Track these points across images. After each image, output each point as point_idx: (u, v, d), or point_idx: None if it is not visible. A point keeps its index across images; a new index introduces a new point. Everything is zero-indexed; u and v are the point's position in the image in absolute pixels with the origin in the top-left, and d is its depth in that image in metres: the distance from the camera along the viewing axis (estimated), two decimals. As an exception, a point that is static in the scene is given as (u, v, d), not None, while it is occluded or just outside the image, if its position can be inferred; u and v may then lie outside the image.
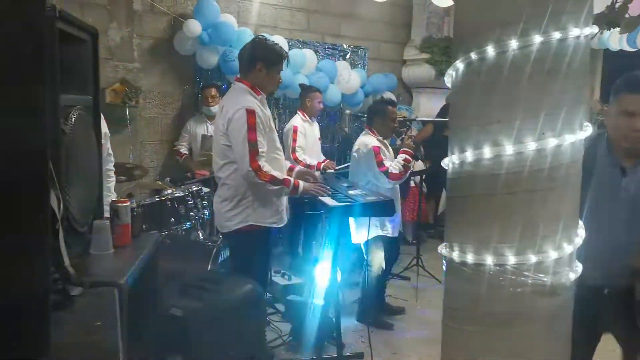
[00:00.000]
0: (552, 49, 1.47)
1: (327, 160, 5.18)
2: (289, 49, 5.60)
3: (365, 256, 4.08)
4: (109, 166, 3.23)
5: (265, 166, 2.90)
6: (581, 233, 1.66)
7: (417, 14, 6.95)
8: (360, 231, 3.93)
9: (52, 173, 1.22)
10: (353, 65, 6.52)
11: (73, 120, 1.68)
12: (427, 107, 6.92)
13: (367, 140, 4.07)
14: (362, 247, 4.04)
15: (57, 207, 1.39)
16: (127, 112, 4.99)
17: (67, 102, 1.67)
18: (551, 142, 1.49)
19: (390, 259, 4.28)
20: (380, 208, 3.16)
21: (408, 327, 4.14)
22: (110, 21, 5.01)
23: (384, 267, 4.16)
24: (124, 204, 2.00)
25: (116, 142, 5.02)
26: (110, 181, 3.25)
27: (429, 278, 5.11)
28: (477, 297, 1.59)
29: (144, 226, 3.46)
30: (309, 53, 5.77)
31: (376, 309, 4.18)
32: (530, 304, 1.54)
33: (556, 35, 1.46)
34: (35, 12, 1.08)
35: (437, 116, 6.27)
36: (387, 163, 3.95)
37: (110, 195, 3.07)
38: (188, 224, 3.95)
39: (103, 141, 3.08)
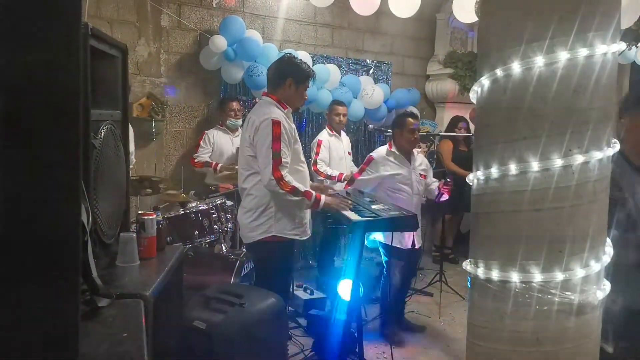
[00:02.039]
0: (578, 66, 1.46)
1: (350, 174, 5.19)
2: (313, 64, 5.65)
3: (384, 265, 4.10)
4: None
5: (287, 176, 2.94)
6: (609, 251, 1.63)
7: (440, 29, 6.94)
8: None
9: (82, 187, 1.24)
10: (376, 80, 6.53)
11: (103, 134, 1.72)
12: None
13: (377, 149, 4.25)
14: (381, 250, 4.08)
15: (86, 219, 1.42)
16: (153, 126, 5.07)
17: (97, 116, 1.71)
18: (578, 159, 1.48)
19: (409, 272, 4.28)
20: (404, 223, 3.15)
21: (431, 343, 4.09)
22: (139, 37, 5.13)
23: (403, 282, 4.17)
24: (151, 217, 2.02)
25: (142, 155, 5.13)
26: None
27: (452, 294, 5.05)
28: (502, 314, 1.57)
29: (168, 238, 3.51)
30: (332, 68, 5.81)
31: (395, 324, 4.16)
32: (557, 323, 1.52)
33: (583, 52, 1.45)
34: (70, 30, 1.11)
35: (447, 129, 6.21)
36: (366, 175, 4.10)
37: None
38: (212, 236, 3.98)
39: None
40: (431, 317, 4.59)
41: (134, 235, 1.92)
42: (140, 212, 2.07)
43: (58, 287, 1.11)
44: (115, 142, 1.87)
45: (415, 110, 5.96)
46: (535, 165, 1.48)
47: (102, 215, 1.69)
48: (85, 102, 1.42)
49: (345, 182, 4.99)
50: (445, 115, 7.01)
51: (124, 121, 2.00)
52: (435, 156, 6.01)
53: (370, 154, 4.21)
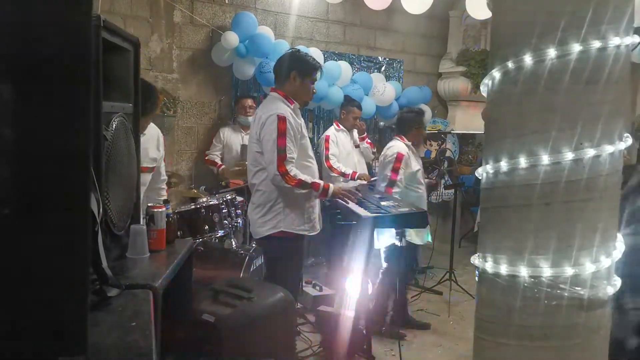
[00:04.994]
0: (591, 58, 1.44)
1: (364, 173, 5.16)
2: (325, 61, 5.64)
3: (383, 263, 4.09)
4: (162, 185, 3.64)
5: (293, 170, 2.94)
6: (619, 246, 1.61)
7: (453, 26, 6.91)
8: (382, 237, 3.95)
9: (93, 177, 1.25)
10: (388, 78, 6.52)
11: (114, 126, 1.73)
12: (463, 120, 6.85)
13: (396, 146, 4.14)
14: (381, 253, 4.06)
15: (97, 210, 1.43)
16: (165, 122, 5.10)
17: (108, 108, 1.72)
18: (589, 153, 1.46)
19: (407, 265, 4.28)
20: (413, 219, 3.14)
21: (439, 342, 4.08)
22: (152, 33, 5.15)
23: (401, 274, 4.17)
24: (160, 210, 2.04)
25: (154, 150, 5.15)
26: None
27: (461, 293, 5.03)
28: (511, 309, 1.55)
29: (179, 233, 3.53)
30: (344, 65, 5.80)
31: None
32: (566, 318, 1.50)
33: (596, 44, 1.43)
34: (82, 22, 1.12)
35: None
36: (402, 173, 4.01)
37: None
38: (221, 231, 4.00)
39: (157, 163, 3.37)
40: (440, 315, 4.58)
41: (144, 227, 1.93)
42: (150, 204, 2.08)
43: (68, 276, 1.12)
44: (126, 134, 1.88)
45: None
46: (545, 159, 1.47)
47: (112, 207, 1.71)
48: (96, 94, 1.43)
49: (359, 180, 4.97)
50: (457, 114, 6.98)
51: (135, 114, 2.01)
52: (446, 154, 5.97)
53: (397, 151, 4.08)
